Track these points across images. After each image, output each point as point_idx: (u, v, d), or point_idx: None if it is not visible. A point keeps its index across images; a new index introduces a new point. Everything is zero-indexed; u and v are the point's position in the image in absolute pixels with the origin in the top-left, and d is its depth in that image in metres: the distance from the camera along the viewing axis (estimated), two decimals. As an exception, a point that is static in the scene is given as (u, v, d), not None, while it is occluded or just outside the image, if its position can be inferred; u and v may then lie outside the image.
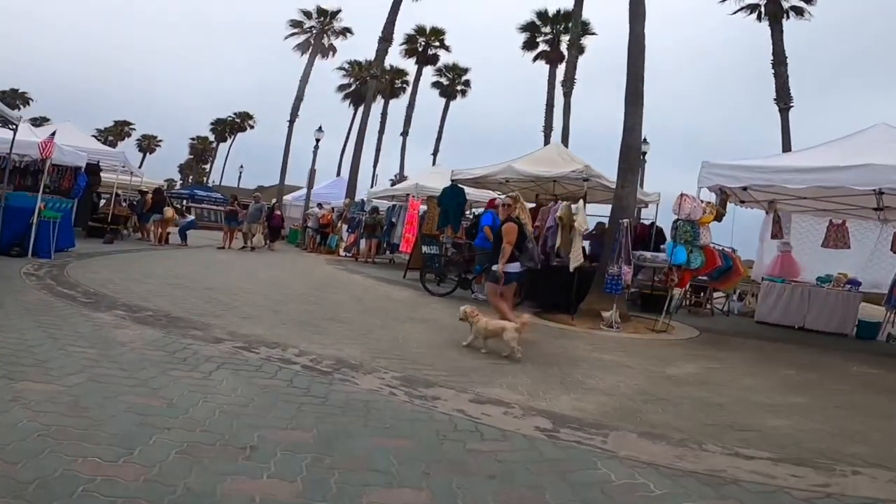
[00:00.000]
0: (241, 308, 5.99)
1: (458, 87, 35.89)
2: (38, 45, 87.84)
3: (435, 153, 35.13)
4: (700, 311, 10.03)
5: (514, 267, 5.59)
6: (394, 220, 13.56)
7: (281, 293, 7.47)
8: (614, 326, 7.27)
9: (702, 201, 7.19)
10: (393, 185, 24.34)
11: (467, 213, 13.31)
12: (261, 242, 15.93)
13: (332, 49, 29.76)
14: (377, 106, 40.42)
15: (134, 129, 57.02)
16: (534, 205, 9.31)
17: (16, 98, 47.24)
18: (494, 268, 5.57)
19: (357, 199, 17.46)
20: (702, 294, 10.27)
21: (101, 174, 14.90)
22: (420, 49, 30.63)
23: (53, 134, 8.63)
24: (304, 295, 7.58)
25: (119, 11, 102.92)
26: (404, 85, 39.17)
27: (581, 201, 7.88)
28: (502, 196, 13.37)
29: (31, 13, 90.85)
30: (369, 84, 20.47)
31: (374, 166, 38.98)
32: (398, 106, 39.03)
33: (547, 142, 26.87)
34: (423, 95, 33.43)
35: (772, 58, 19.93)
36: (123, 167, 14.27)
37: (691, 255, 7.12)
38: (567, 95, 20.23)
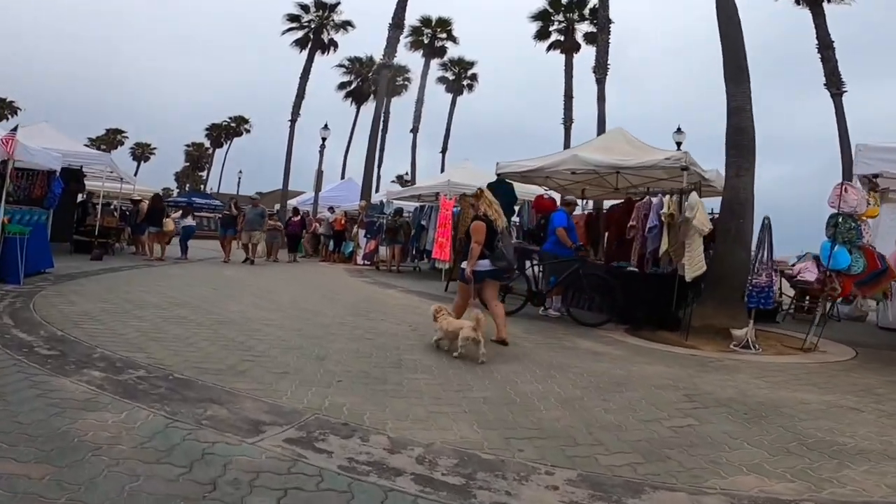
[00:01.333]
0: (272, 354, 4.25)
1: (465, 82, 34.22)
2: (24, 55, 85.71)
3: (444, 151, 33.45)
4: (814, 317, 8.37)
5: (484, 265, 5.20)
6: (423, 222, 11.82)
7: (315, 324, 5.72)
8: (753, 347, 5.60)
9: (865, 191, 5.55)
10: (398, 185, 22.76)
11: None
12: (263, 252, 14.00)
13: (333, 44, 28.00)
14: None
15: (126, 137, 54.94)
16: (619, 201, 7.62)
17: (3, 107, 45.16)
18: (463, 265, 5.35)
19: (375, 200, 15.70)
20: (807, 297, 8.63)
21: (86, 181, 13.25)
22: (426, 41, 28.90)
23: (16, 129, 6.89)
24: (345, 325, 5.84)
25: (105, 19, 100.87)
26: (405, 82, 37.53)
27: (694, 194, 6.19)
28: (549, 192, 11.70)
29: (15, 21, 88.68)
30: (381, 75, 18.69)
31: (378, 167, 37.35)
32: (398, 104, 37.51)
33: (568, 135, 25.28)
34: (427, 91, 31.65)
35: (816, 42, 18.55)
36: (111, 172, 12.46)
37: (852, 256, 5.47)
38: (601, 82, 18.50)
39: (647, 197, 6.74)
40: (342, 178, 30.23)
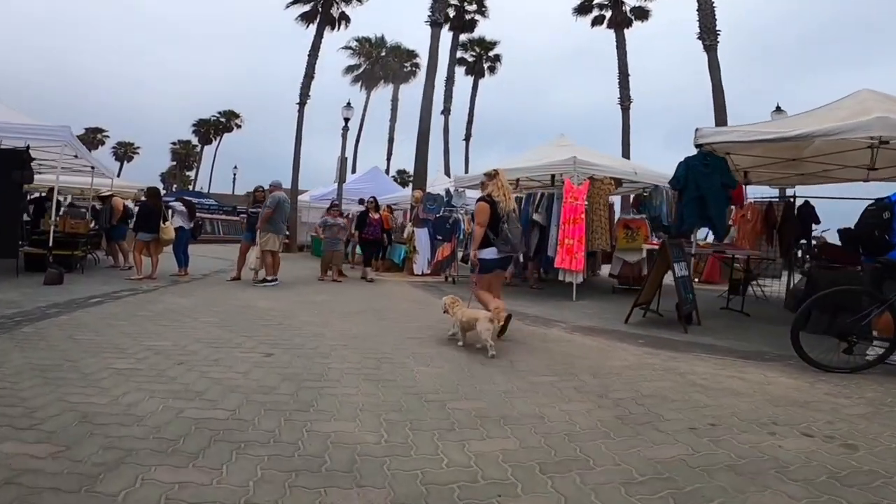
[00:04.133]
0: None
1: (486, 64, 30.74)
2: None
3: (467, 138, 29.98)
4: None
5: (491, 253, 4.76)
6: (537, 217, 8.20)
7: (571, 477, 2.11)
8: None
9: None
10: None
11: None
12: (256, 266, 8.62)
13: (345, 18, 24.27)
14: (386, 91, 35.14)
15: (108, 136, 50.57)
16: None
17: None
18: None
19: (436, 190, 12.03)
20: None
21: (45, 173, 9.61)
22: (453, 15, 25.32)
23: None
24: (660, 479, 2.25)
25: (77, 15, 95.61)
26: (414, 69, 33.98)
27: None
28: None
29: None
30: (432, 34, 14.92)
31: (388, 159, 33.86)
32: (405, 93, 34.14)
33: (626, 116, 21.85)
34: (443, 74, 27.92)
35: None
36: (75, 157, 8.61)
37: None
38: (711, 49, 14.82)
39: None
40: (352, 171, 26.51)
